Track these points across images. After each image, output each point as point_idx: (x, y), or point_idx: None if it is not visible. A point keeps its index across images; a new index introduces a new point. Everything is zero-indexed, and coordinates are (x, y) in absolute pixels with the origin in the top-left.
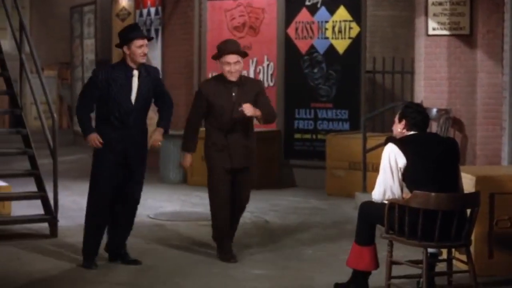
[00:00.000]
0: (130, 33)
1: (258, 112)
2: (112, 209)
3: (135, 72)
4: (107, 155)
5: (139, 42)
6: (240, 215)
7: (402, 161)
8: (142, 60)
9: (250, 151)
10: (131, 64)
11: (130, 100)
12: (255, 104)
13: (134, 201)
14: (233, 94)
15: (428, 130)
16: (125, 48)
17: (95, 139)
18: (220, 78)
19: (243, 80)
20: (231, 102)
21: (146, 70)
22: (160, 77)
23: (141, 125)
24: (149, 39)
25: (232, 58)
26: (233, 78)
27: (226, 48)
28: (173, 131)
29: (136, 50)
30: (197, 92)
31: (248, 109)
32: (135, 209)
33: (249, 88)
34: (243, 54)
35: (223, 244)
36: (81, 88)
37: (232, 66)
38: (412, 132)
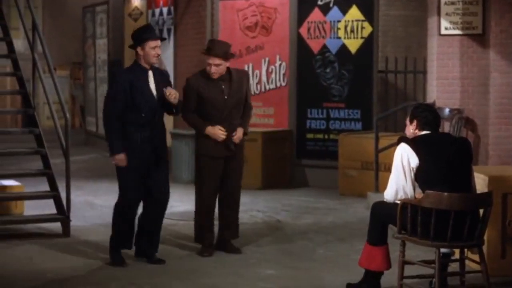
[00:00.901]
0: (144, 34)
1: (240, 133)
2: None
3: (150, 73)
4: (134, 159)
5: (153, 43)
6: (234, 210)
7: (414, 161)
8: (156, 61)
9: (241, 141)
10: (145, 65)
11: (153, 100)
12: (244, 97)
13: (165, 200)
14: (223, 87)
15: (440, 130)
16: (138, 49)
17: (123, 160)
18: (207, 73)
19: (232, 73)
20: (222, 95)
21: (160, 72)
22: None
23: (163, 124)
24: (162, 39)
25: (214, 60)
26: (213, 77)
27: (212, 49)
28: (185, 131)
29: (150, 51)
30: (186, 86)
31: (238, 138)
32: (164, 209)
33: (239, 79)
34: (228, 57)
35: (203, 237)
36: (106, 93)
37: (213, 67)
38: (424, 132)
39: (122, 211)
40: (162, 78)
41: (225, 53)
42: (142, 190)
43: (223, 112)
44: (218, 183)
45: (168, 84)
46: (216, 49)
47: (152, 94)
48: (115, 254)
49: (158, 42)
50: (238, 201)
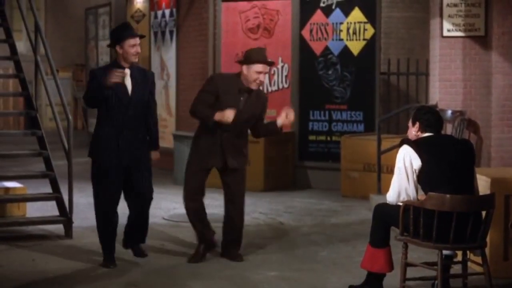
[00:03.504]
0: (122, 33)
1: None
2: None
3: (127, 71)
4: (108, 157)
5: (131, 41)
6: (240, 220)
7: (417, 163)
8: (135, 59)
9: (243, 153)
10: (123, 64)
11: (127, 98)
12: (257, 120)
13: (147, 197)
14: (241, 98)
15: (443, 132)
16: (117, 48)
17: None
18: (236, 79)
19: (253, 90)
20: (237, 106)
21: (143, 72)
22: (155, 82)
23: (140, 125)
24: (141, 37)
25: (264, 68)
26: (256, 87)
27: (259, 56)
28: (188, 132)
29: (129, 50)
30: (210, 79)
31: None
32: (148, 205)
33: (257, 99)
34: (270, 64)
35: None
36: (85, 91)
37: (262, 76)
38: (427, 134)
39: (101, 212)
40: (144, 78)
41: (269, 61)
42: (119, 188)
43: (232, 123)
44: (201, 184)
45: (152, 85)
46: (264, 55)
47: (126, 92)
48: (106, 254)
49: (137, 40)
50: (242, 208)
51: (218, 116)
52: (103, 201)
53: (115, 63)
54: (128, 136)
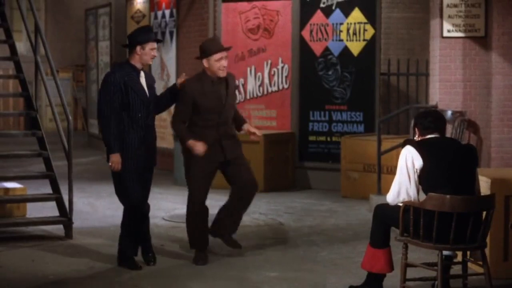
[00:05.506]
0: (147, 34)
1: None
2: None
3: (142, 73)
4: (131, 160)
5: (153, 44)
6: (250, 201)
7: (418, 162)
8: (151, 61)
9: (238, 140)
10: (137, 65)
11: (147, 99)
12: (233, 97)
13: (145, 211)
14: (220, 88)
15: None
16: (138, 48)
17: (118, 163)
18: (204, 75)
19: (227, 76)
20: (220, 101)
21: (148, 74)
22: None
23: (154, 126)
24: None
25: (223, 54)
26: (224, 74)
27: (214, 46)
28: None
29: (149, 52)
30: (182, 92)
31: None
32: (147, 218)
33: (231, 83)
34: (227, 50)
35: (197, 243)
36: (100, 94)
37: (223, 61)
38: (430, 136)
39: (130, 217)
40: (149, 78)
41: (226, 47)
42: (143, 189)
43: (220, 117)
44: (208, 186)
45: (154, 87)
46: (218, 44)
47: (146, 93)
48: (129, 262)
49: (155, 44)
50: (254, 190)
51: (191, 143)
52: (132, 201)
53: (128, 64)
54: (149, 137)
